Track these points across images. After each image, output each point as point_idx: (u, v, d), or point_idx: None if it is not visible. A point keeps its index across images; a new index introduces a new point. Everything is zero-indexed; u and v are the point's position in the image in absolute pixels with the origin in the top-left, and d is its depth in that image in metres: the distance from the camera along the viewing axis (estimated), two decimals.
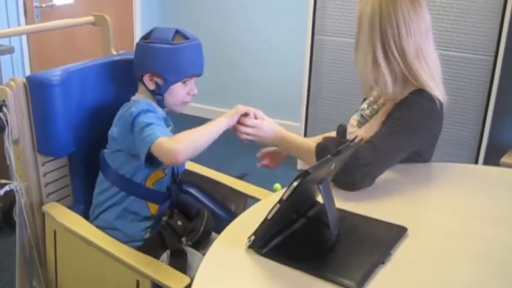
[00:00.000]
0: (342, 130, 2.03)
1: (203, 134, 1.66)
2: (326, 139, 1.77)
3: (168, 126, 1.86)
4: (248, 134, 1.75)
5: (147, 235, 1.84)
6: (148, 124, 1.66)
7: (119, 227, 1.81)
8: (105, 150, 1.83)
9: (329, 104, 3.65)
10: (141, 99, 1.82)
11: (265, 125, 1.78)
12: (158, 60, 1.77)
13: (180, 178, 1.98)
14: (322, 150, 1.67)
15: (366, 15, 1.73)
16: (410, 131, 1.71)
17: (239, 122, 1.76)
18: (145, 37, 1.81)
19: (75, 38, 3.87)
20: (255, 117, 1.79)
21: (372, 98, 1.90)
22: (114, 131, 1.78)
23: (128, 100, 1.84)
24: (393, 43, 1.70)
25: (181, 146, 1.59)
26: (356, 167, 1.60)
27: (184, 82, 1.82)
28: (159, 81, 1.79)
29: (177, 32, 1.81)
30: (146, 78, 1.80)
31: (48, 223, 1.87)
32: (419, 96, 1.73)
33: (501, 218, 1.58)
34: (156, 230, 1.83)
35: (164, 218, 1.88)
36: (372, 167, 1.62)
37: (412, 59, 1.71)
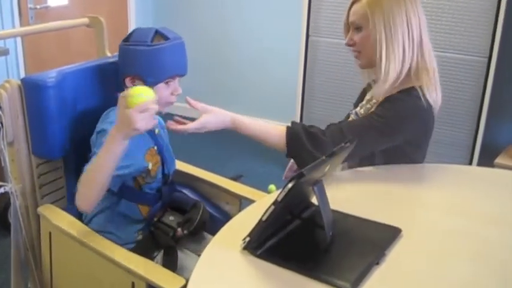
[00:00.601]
0: None
1: (93, 175, 1.60)
2: (294, 123, 1.80)
3: (154, 128, 1.85)
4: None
5: (140, 237, 1.83)
6: (94, 153, 1.66)
7: (112, 230, 1.80)
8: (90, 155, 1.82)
9: (323, 104, 3.65)
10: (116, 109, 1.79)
11: (211, 121, 1.81)
12: (137, 63, 1.74)
13: (172, 179, 1.96)
14: (292, 133, 1.74)
15: (385, 4, 1.73)
16: (389, 128, 1.74)
17: (178, 122, 1.75)
18: (126, 39, 1.78)
19: (69, 40, 3.87)
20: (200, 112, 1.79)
21: (367, 97, 1.91)
22: (92, 137, 1.78)
23: None
24: (416, 32, 1.74)
25: (77, 200, 1.63)
26: (314, 137, 1.70)
27: (167, 83, 1.78)
28: (140, 83, 1.75)
29: (156, 32, 1.76)
30: (128, 81, 1.77)
31: (43, 225, 1.87)
32: (407, 95, 1.75)
33: (495, 218, 1.59)
34: (148, 232, 1.83)
35: (155, 219, 1.87)
36: (324, 148, 1.65)
37: (428, 52, 1.76)
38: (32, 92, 1.78)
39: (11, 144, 1.80)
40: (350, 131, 1.72)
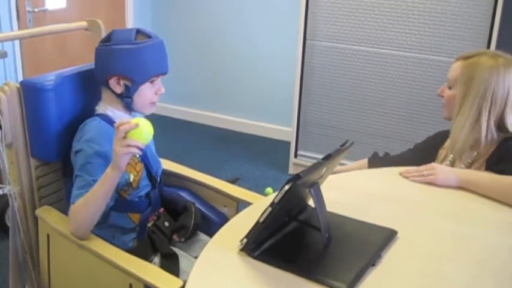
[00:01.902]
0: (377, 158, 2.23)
1: (88, 203, 1.65)
2: None
3: None
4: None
5: (135, 245, 1.82)
6: (76, 176, 1.70)
7: (107, 240, 1.78)
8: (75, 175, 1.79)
9: (320, 108, 3.67)
10: (94, 123, 1.78)
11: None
12: (124, 62, 1.73)
13: (161, 182, 1.96)
14: None
15: (480, 80, 1.83)
16: None
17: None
18: (105, 40, 1.78)
19: (67, 43, 3.87)
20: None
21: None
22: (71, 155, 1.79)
23: None
24: (500, 104, 1.83)
25: (72, 228, 1.69)
26: None
27: (151, 82, 1.79)
28: (127, 83, 1.76)
29: (138, 31, 1.77)
30: (113, 82, 1.77)
31: (41, 227, 1.87)
32: None
33: (492, 221, 1.60)
34: (143, 237, 1.82)
35: (151, 223, 1.87)
36: None
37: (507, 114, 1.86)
38: (31, 94, 1.79)
39: (9, 146, 1.81)
40: None
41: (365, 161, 2.24)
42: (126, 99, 1.79)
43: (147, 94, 1.80)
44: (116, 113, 1.82)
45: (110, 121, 1.79)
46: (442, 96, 1.96)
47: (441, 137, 2.09)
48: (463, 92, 1.86)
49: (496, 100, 1.82)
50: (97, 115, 1.82)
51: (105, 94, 1.83)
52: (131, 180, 1.79)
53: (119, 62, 1.74)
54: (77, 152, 1.73)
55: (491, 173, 1.79)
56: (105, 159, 1.68)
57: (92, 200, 1.63)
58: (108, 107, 1.82)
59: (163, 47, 1.81)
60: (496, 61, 1.83)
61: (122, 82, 1.76)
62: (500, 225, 1.59)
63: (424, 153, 2.09)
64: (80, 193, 1.66)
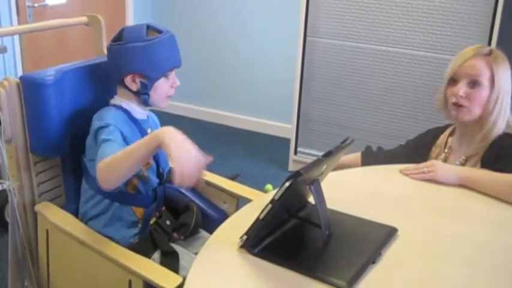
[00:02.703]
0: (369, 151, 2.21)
1: (123, 157, 1.53)
2: None
3: (147, 128, 1.85)
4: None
5: (136, 241, 1.82)
6: (104, 140, 1.62)
7: (108, 235, 1.77)
8: (84, 158, 1.82)
9: (320, 105, 3.66)
10: (111, 109, 1.78)
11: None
12: (138, 60, 1.73)
13: (167, 179, 1.95)
14: None
15: (505, 76, 1.87)
16: None
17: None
18: (117, 39, 1.77)
19: (67, 38, 3.87)
20: None
21: (463, 157, 1.95)
22: (88, 139, 1.77)
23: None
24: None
25: (103, 176, 1.54)
26: None
27: (166, 76, 1.79)
28: (143, 80, 1.76)
29: (148, 27, 1.76)
30: (128, 80, 1.77)
31: (41, 223, 1.87)
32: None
33: (492, 220, 1.60)
34: (145, 234, 1.82)
35: (153, 221, 1.87)
36: None
37: None
38: (30, 89, 1.78)
39: (9, 141, 1.81)
40: None
41: (358, 154, 2.22)
42: (143, 96, 1.80)
43: (163, 88, 1.80)
44: (131, 105, 1.82)
45: (124, 111, 1.81)
46: (463, 98, 1.86)
47: (433, 135, 2.08)
48: (497, 89, 1.84)
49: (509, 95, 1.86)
50: (112, 105, 1.82)
51: (121, 91, 1.83)
52: (143, 171, 1.79)
53: (133, 60, 1.74)
54: (100, 127, 1.68)
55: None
56: (124, 139, 1.69)
57: (124, 154, 1.54)
58: (123, 101, 1.83)
59: (174, 40, 1.81)
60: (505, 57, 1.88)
61: (137, 80, 1.76)
62: (499, 223, 1.58)
63: (416, 150, 2.09)
64: (111, 147, 1.59)
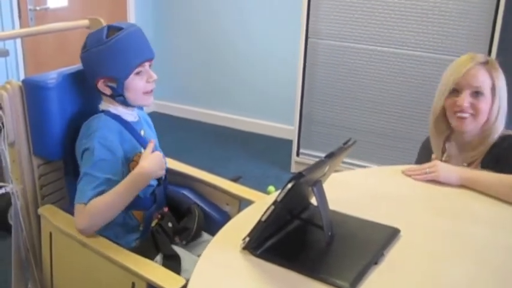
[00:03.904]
0: None
1: (115, 203, 1.67)
2: None
3: (140, 130, 1.85)
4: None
5: (138, 244, 1.82)
6: (85, 174, 1.67)
7: (110, 239, 1.78)
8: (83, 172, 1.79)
9: (322, 107, 3.66)
10: (100, 117, 1.78)
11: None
12: (101, 63, 1.72)
13: (166, 181, 1.96)
14: None
15: (500, 86, 1.88)
16: None
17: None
18: (83, 47, 1.77)
19: (69, 41, 3.87)
20: None
21: (464, 165, 1.95)
22: (77, 150, 1.78)
23: None
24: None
25: (85, 225, 1.66)
26: None
27: (137, 73, 1.76)
28: (111, 83, 1.75)
29: (109, 28, 1.74)
30: (101, 86, 1.76)
31: (44, 225, 1.87)
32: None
33: (494, 220, 1.60)
34: (147, 236, 1.82)
35: (155, 222, 1.86)
36: None
37: None
38: (33, 93, 1.79)
39: (12, 145, 1.81)
40: None
41: None
42: (118, 98, 1.79)
43: (138, 85, 1.77)
44: (118, 109, 1.82)
45: (114, 116, 1.80)
46: (468, 108, 1.85)
47: (430, 144, 2.08)
48: (498, 97, 1.86)
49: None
50: (102, 111, 1.82)
51: (103, 96, 1.84)
52: None
53: (97, 65, 1.74)
54: (85, 149, 1.71)
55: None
56: (114, 153, 1.69)
57: (116, 202, 1.66)
58: (109, 105, 1.82)
59: (139, 34, 1.77)
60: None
61: (108, 83, 1.76)
62: (501, 223, 1.58)
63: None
64: (93, 193, 1.64)
